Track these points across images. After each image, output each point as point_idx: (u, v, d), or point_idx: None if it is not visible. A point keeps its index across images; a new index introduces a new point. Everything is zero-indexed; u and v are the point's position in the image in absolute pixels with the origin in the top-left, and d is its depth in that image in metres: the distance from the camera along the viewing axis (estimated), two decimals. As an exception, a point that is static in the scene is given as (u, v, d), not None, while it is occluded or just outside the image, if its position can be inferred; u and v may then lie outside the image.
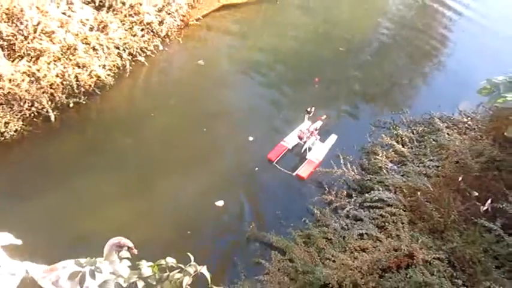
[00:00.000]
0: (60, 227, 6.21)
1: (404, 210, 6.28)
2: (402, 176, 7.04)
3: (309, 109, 7.74)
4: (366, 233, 6.02)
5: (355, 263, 5.43)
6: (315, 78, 8.41)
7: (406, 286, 5.04)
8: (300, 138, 7.78)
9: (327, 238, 6.16)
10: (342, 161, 7.45)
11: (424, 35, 11.98)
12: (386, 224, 6.13)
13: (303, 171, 7.46)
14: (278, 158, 7.65)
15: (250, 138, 7.80)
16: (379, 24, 12.29)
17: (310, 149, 7.81)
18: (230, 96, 9.16)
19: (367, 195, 6.72)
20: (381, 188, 6.78)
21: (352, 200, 6.85)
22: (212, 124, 8.23)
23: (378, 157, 7.53)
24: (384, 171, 7.24)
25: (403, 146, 7.82)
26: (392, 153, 7.71)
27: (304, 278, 5.51)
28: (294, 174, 7.43)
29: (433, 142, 7.76)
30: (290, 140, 7.94)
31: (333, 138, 8.08)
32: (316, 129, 7.86)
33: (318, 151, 7.81)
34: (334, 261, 5.60)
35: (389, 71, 10.53)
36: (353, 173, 7.32)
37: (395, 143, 7.83)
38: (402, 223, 5.96)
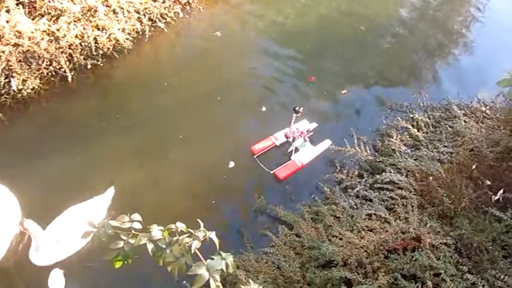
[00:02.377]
0: (73, 188, 6.31)
1: (415, 194, 6.25)
2: (415, 160, 6.99)
3: (297, 108, 7.13)
4: (375, 214, 6.02)
5: (362, 242, 5.45)
6: (311, 77, 7.96)
7: (411, 268, 5.05)
8: (287, 137, 7.43)
9: (335, 216, 6.18)
10: (355, 141, 7.41)
11: (449, 20, 11.71)
12: (396, 206, 6.12)
13: (281, 171, 7.09)
14: (261, 153, 7.31)
15: (263, 109, 7.72)
16: (404, 6, 12.04)
17: (297, 150, 7.42)
18: (246, 67, 9.11)
19: (378, 176, 6.69)
20: (392, 171, 6.75)
21: (363, 180, 6.83)
22: (227, 93, 8.23)
23: (392, 139, 7.49)
24: (397, 154, 7.19)
25: (418, 130, 7.74)
26: (407, 136, 7.65)
27: (309, 253, 5.56)
28: (271, 172, 7.08)
29: (449, 128, 7.68)
30: (280, 137, 7.55)
31: (325, 144, 7.56)
32: (308, 131, 7.53)
33: (305, 154, 7.40)
34: (341, 239, 5.62)
35: (410, 54, 10.36)
36: (366, 153, 7.30)
37: (410, 127, 7.76)
38: (412, 206, 5.95)
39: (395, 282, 4.99)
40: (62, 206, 5.82)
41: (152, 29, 9.04)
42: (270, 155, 7.39)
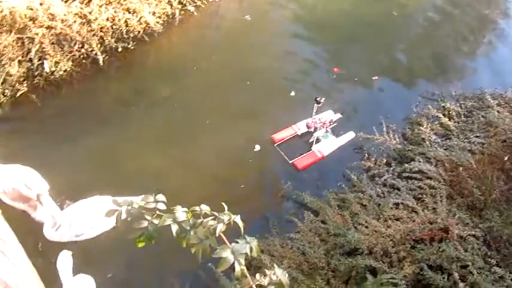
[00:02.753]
0: (100, 169, 6.45)
1: (444, 184, 6.16)
2: (445, 149, 6.85)
3: (318, 98, 6.97)
4: (402, 203, 5.96)
5: (388, 231, 5.41)
6: (335, 68, 7.75)
7: (437, 259, 5.00)
8: (308, 127, 7.30)
9: (362, 204, 6.14)
10: (384, 129, 7.30)
11: (486, 8, 11.29)
12: (424, 196, 6.04)
13: (300, 161, 7.02)
14: (282, 141, 7.25)
15: (292, 94, 7.62)
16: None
17: (318, 140, 7.28)
18: (276, 51, 9.04)
19: (406, 165, 6.61)
20: (421, 160, 6.64)
21: (391, 168, 6.75)
22: (256, 78, 8.21)
23: (422, 128, 7.34)
24: (427, 143, 7.07)
25: (449, 120, 7.57)
26: (438, 125, 7.50)
27: (335, 240, 5.55)
28: (290, 161, 7.01)
29: (481, 118, 7.47)
30: (302, 126, 7.44)
31: (349, 136, 7.43)
32: (330, 122, 7.36)
33: (326, 145, 7.27)
34: (367, 227, 5.60)
35: (444, 41, 10.06)
36: (394, 141, 7.20)
37: (441, 116, 7.59)
38: (440, 196, 5.87)
39: (421, 273, 4.96)
40: (90, 187, 5.95)
41: (182, 12, 9.02)
42: (291, 143, 7.34)
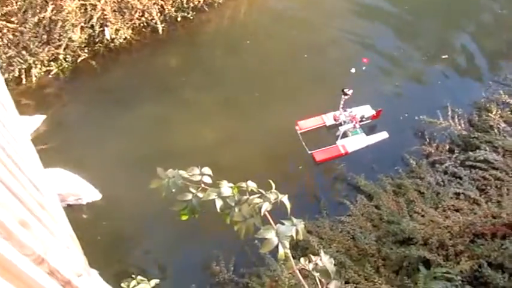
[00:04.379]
0: (154, 139, 6.51)
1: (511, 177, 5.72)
2: (515, 139, 6.37)
3: (345, 90, 6.48)
4: (463, 193, 5.59)
5: (446, 222, 5.09)
6: (363, 59, 7.05)
7: (499, 257, 4.65)
8: (335, 119, 6.87)
9: (419, 191, 5.83)
10: (449, 113, 6.84)
11: None
12: (488, 187, 5.64)
13: (320, 154, 6.60)
14: (306, 130, 6.82)
15: (352, 70, 7.26)
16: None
17: (345, 135, 6.84)
18: (336, 26, 8.65)
19: (471, 153, 6.19)
20: (488, 148, 6.19)
21: (454, 156, 6.35)
22: (314, 52, 7.96)
23: (490, 115, 6.81)
24: (495, 131, 6.57)
25: (522, 107, 7.01)
26: (508, 113, 6.93)
27: (387, 227, 5.31)
28: (310, 152, 6.59)
29: (558, 107, 6.88)
30: (331, 117, 6.99)
31: (381, 136, 6.89)
32: (362, 118, 6.88)
33: (353, 142, 6.81)
34: (423, 216, 5.30)
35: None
36: (459, 127, 6.75)
37: (513, 102, 7.05)
38: (507, 190, 5.45)
39: (479, 270, 4.63)
40: (141, 153, 6.07)
41: (245, -18, 8.85)
42: (320, 133, 6.97)
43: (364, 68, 6.65)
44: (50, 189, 3.91)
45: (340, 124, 6.85)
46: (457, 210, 5.37)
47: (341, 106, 6.75)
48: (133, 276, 2.67)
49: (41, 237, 2.53)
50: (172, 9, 8.04)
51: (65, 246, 3.14)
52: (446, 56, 7.40)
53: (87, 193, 5.74)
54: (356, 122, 6.84)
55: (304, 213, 5.48)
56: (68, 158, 5.98)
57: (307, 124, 6.91)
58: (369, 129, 7.02)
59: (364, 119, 6.96)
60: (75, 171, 5.77)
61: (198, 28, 8.25)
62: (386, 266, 4.99)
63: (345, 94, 6.50)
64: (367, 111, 7.04)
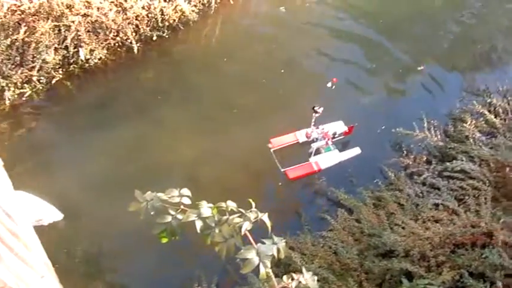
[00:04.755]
0: (132, 158, 6.46)
1: (489, 186, 5.79)
2: (490, 148, 6.46)
3: (316, 108, 6.46)
4: (442, 204, 5.64)
5: (427, 234, 5.11)
6: (332, 79, 7.10)
7: (479, 266, 4.69)
8: (307, 136, 6.88)
9: (399, 203, 5.86)
10: (425, 124, 6.93)
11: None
12: (466, 197, 5.69)
13: (293, 171, 6.58)
14: (279, 147, 6.81)
15: (329, 85, 7.28)
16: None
17: (318, 151, 6.87)
18: (311, 43, 8.75)
19: (448, 164, 6.26)
20: (464, 159, 6.27)
21: (431, 167, 6.42)
22: (290, 67, 8.03)
23: (465, 125, 6.93)
24: (471, 141, 6.67)
25: (495, 117, 7.12)
26: (483, 122, 7.06)
27: (369, 241, 5.32)
28: (283, 170, 6.56)
29: (531, 116, 7.03)
30: (304, 134, 6.97)
31: (354, 151, 6.92)
32: (334, 135, 6.88)
33: (326, 159, 6.83)
34: (403, 228, 5.32)
35: (490, 34, 9.50)
36: (436, 138, 6.84)
37: (487, 112, 7.14)
38: (485, 199, 5.51)
39: (461, 280, 4.66)
40: (120, 173, 5.97)
41: (218, 1, 8.87)
42: (294, 149, 6.94)
43: (333, 87, 6.56)
44: (23, 215, 3.79)
45: (313, 141, 6.83)
46: (436, 221, 5.40)
47: (312, 124, 6.72)
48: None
49: (13, 268, 2.44)
50: (148, 29, 8.02)
51: (39, 276, 3.04)
52: (422, 67, 7.53)
53: (48, 214, 5.59)
54: (328, 139, 6.79)
55: (286, 230, 5.47)
56: (42, 179, 5.87)
57: (280, 141, 6.86)
58: (343, 146, 7.03)
59: (336, 136, 6.95)
60: (48, 193, 5.58)
61: (174, 47, 8.24)
62: (369, 280, 4.98)
63: (315, 112, 6.47)
64: (340, 127, 7.03)
